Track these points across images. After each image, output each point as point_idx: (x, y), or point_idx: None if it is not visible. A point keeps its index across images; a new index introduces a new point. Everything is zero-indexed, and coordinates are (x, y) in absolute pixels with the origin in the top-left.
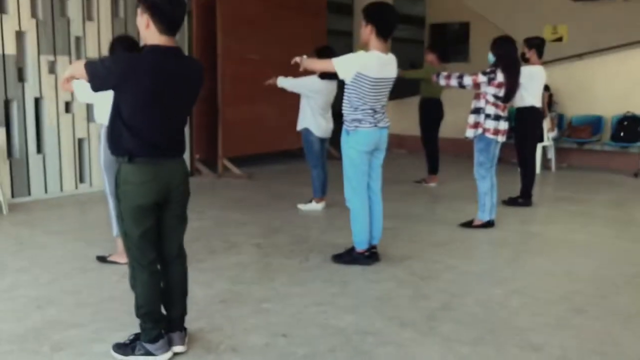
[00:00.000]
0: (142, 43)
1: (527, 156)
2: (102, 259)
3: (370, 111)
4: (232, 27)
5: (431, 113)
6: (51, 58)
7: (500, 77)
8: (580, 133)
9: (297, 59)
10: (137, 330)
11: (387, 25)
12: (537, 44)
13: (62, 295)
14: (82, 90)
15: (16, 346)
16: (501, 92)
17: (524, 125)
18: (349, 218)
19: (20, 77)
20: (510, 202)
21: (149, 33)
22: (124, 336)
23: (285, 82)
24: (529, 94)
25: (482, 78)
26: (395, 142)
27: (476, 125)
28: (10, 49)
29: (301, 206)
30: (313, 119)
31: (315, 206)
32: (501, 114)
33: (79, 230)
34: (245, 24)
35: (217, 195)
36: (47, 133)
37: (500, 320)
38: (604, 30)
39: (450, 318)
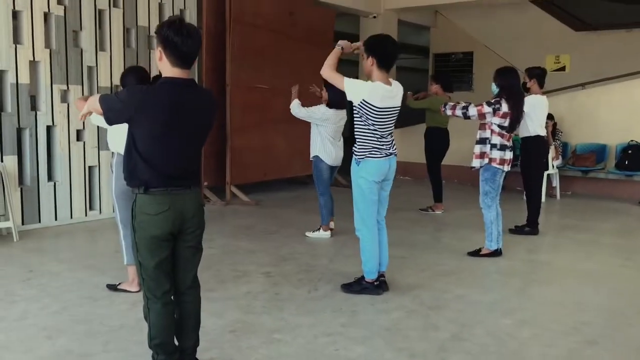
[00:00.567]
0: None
1: (533, 185)
2: (112, 287)
3: (378, 139)
4: (241, 57)
5: (436, 143)
6: (64, 87)
7: (504, 107)
8: (584, 161)
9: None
10: None
11: (388, 58)
12: (538, 74)
13: (72, 324)
14: (99, 118)
15: None
16: (506, 122)
17: (529, 154)
18: (356, 246)
19: (33, 105)
20: (517, 230)
21: (162, 65)
22: None
23: (297, 109)
24: (534, 123)
25: (487, 109)
26: (401, 169)
27: (482, 155)
28: (24, 78)
29: (309, 234)
30: (323, 147)
31: (323, 234)
32: (506, 143)
33: (89, 258)
34: (254, 54)
35: (226, 223)
36: (58, 161)
37: (511, 352)
38: (606, 60)
39: (461, 349)
